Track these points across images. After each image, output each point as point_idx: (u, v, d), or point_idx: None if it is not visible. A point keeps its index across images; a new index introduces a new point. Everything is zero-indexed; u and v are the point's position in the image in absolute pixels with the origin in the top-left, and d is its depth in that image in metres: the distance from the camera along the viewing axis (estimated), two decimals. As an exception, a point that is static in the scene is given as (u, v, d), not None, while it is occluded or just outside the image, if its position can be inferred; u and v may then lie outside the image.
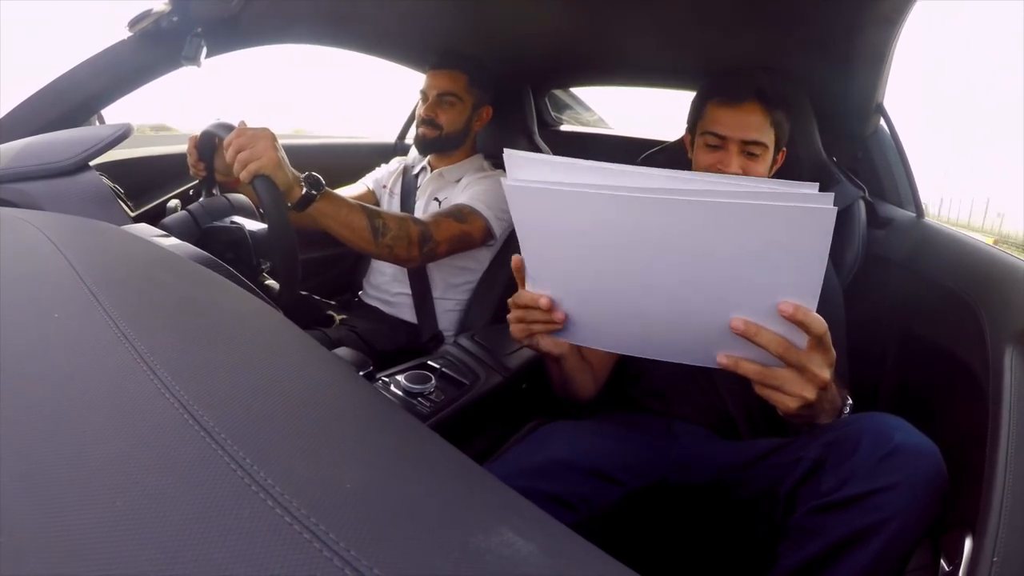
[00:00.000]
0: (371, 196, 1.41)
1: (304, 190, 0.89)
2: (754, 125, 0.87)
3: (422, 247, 1.07)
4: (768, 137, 0.89)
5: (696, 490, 0.75)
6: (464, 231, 1.15)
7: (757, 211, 0.45)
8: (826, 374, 0.54)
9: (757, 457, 0.70)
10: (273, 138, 0.85)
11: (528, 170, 0.53)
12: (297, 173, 0.89)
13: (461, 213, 1.16)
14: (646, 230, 0.49)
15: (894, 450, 0.54)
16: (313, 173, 0.90)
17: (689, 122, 0.97)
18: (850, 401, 0.65)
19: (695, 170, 0.92)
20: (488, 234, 1.19)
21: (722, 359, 0.54)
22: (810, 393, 0.54)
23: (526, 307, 0.62)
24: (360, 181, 1.43)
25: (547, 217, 0.54)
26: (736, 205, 0.45)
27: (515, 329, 0.66)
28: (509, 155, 0.53)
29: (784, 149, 0.95)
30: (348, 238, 0.98)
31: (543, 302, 0.60)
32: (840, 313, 0.91)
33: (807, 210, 0.44)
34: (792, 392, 0.54)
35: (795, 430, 0.68)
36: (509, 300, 0.64)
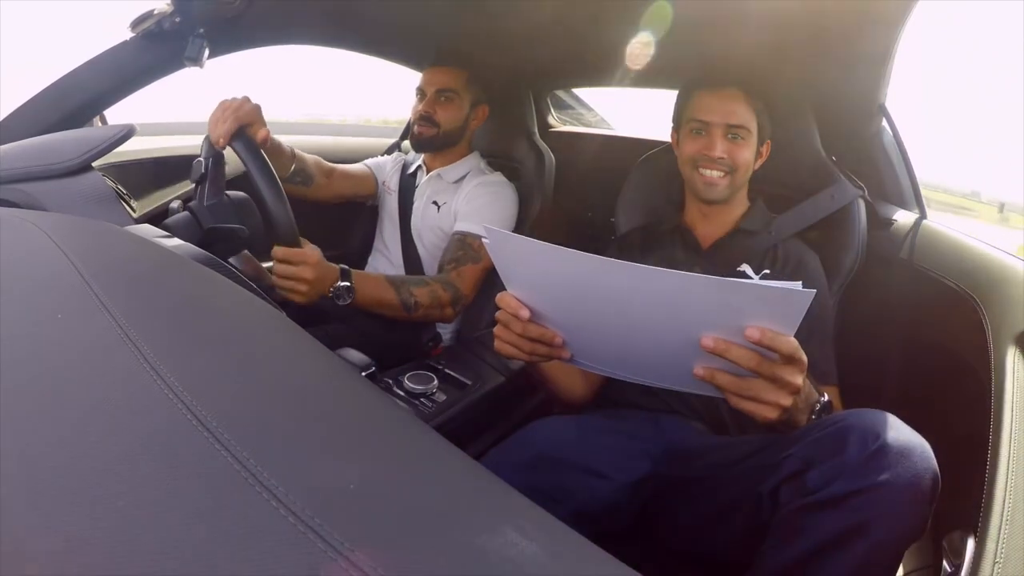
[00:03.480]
0: (370, 177, 1.39)
1: (330, 294, 0.92)
2: (737, 110, 0.91)
3: (455, 306, 1.13)
4: (751, 123, 0.92)
5: (684, 486, 0.74)
6: (484, 267, 1.18)
7: (735, 288, 0.48)
8: (799, 380, 0.54)
9: (746, 454, 0.70)
10: (315, 279, 0.88)
11: (513, 250, 0.56)
12: (334, 272, 0.92)
13: (473, 249, 1.19)
14: (617, 290, 0.52)
15: (882, 448, 0.53)
16: (344, 284, 0.93)
17: (674, 120, 1.00)
18: (826, 398, 0.65)
19: (681, 160, 0.96)
20: None
21: (698, 371, 0.54)
22: (785, 400, 0.54)
23: (533, 340, 0.61)
24: (361, 162, 1.42)
25: (523, 262, 0.57)
26: (716, 281, 0.47)
27: (505, 349, 0.64)
28: (491, 233, 0.55)
29: (768, 142, 0.97)
30: (383, 314, 1.03)
31: (557, 340, 0.60)
32: (826, 307, 0.91)
33: (783, 291, 0.46)
34: (768, 400, 0.54)
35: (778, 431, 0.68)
36: (498, 316, 0.63)
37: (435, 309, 1.10)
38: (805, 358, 0.53)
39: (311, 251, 0.89)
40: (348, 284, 0.93)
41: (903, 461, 0.52)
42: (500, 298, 0.61)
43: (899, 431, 0.55)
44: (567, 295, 0.56)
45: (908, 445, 0.53)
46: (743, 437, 0.76)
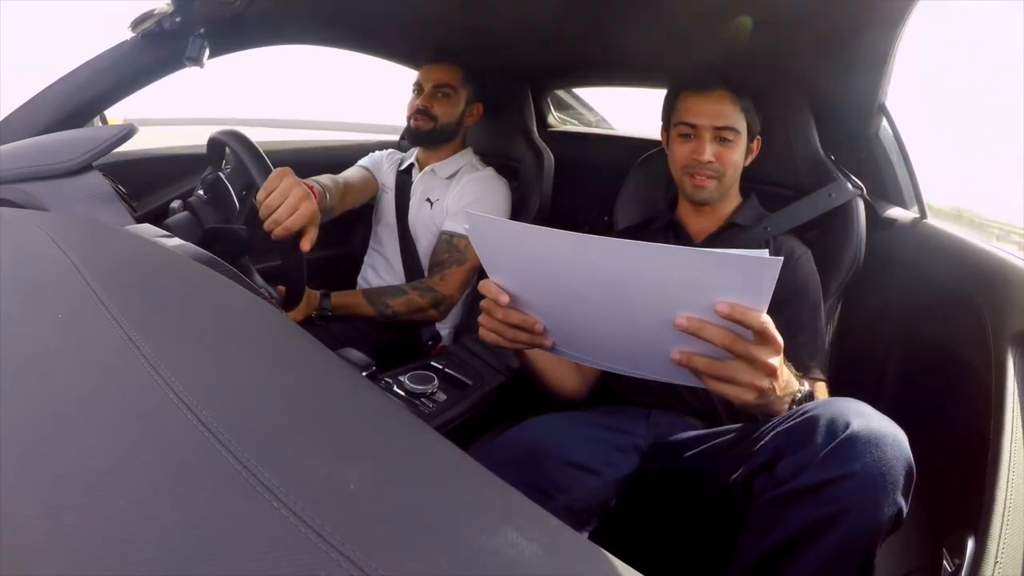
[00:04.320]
0: (371, 180, 1.36)
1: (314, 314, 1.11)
2: (725, 112, 0.91)
3: (437, 307, 1.20)
4: (740, 124, 0.92)
5: (673, 478, 0.74)
6: (470, 268, 1.21)
7: (701, 257, 0.49)
8: (775, 361, 0.53)
9: (728, 445, 0.69)
10: (304, 316, 1.10)
11: (493, 234, 0.57)
12: (316, 300, 1.12)
13: (459, 250, 1.20)
14: (594, 267, 0.52)
15: (850, 438, 0.52)
16: (326, 312, 1.12)
17: (663, 120, 1.01)
18: (807, 386, 0.64)
19: (672, 163, 0.97)
20: None
21: (675, 355, 0.54)
22: (761, 381, 0.53)
23: (515, 327, 0.61)
24: (358, 164, 1.40)
25: (503, 246, 0.57)
26: (683, 251, 0.49)
27: (488, 336, 0.64)
28: (471, 218, 0.55)
29: (759, 138, 0.97)
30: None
31: (538, 327, 0.60)
32: (816, 302, 0.90)
33: (746, 258, 0.46)
34: (744, 382, 0.53)
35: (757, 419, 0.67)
36: (482, 304, 0.63)
37: (416, 313, 1.18)
38: (779, 338, 0.52)
39: (305, 302, 1.04)
40: (328, 312, 1.11)
41: (873, 450, 0.51)
42: (482, 285, 0.61)
43: (869, 419, 0.53)
44: (545, 276, 0.57)
45: (878, 433, 0.52)
46: (726, 427, 0.75)
